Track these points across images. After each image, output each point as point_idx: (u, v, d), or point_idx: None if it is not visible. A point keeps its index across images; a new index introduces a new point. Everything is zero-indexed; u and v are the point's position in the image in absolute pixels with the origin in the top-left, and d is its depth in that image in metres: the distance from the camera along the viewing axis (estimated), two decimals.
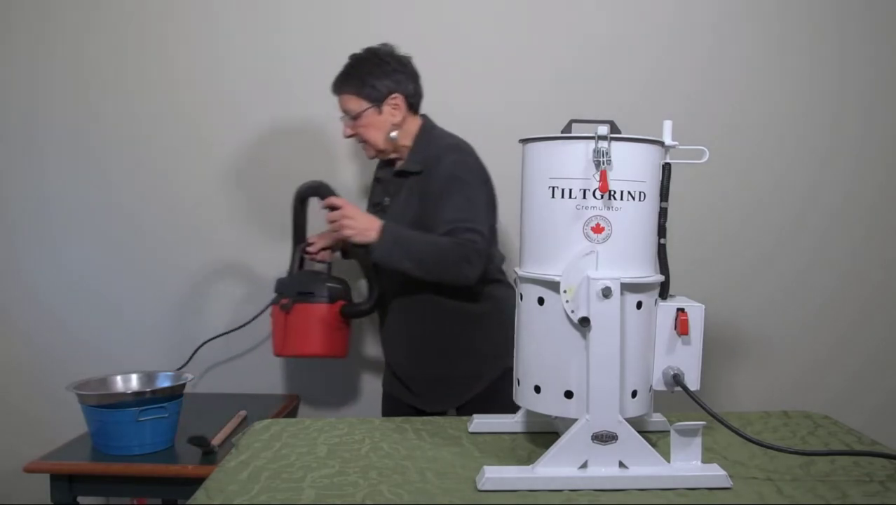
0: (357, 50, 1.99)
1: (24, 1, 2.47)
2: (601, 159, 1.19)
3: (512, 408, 1.50)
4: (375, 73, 1.94)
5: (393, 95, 1.95)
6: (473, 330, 1.95)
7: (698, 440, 1.21)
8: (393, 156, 2.03)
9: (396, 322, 2.04)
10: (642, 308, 1.25)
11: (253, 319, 2.31)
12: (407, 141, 1.99)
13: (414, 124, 2.00)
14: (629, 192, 1.22)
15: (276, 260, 2.43)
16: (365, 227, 1.82)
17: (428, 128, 2.00)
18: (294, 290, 2.10)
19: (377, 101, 1.95)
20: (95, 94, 2.49)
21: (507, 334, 1.46)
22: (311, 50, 2.43)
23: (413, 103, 2.00)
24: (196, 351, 2.36)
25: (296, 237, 2.16)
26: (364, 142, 2.00)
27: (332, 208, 1.87)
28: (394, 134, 1.97)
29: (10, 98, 2.50)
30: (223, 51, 2.46)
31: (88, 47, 2.48)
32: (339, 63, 1.97)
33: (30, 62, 2.49)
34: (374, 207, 2.07)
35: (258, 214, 2.49)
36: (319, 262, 2.21)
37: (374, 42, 2.00)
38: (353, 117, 1.97)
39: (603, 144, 1.19)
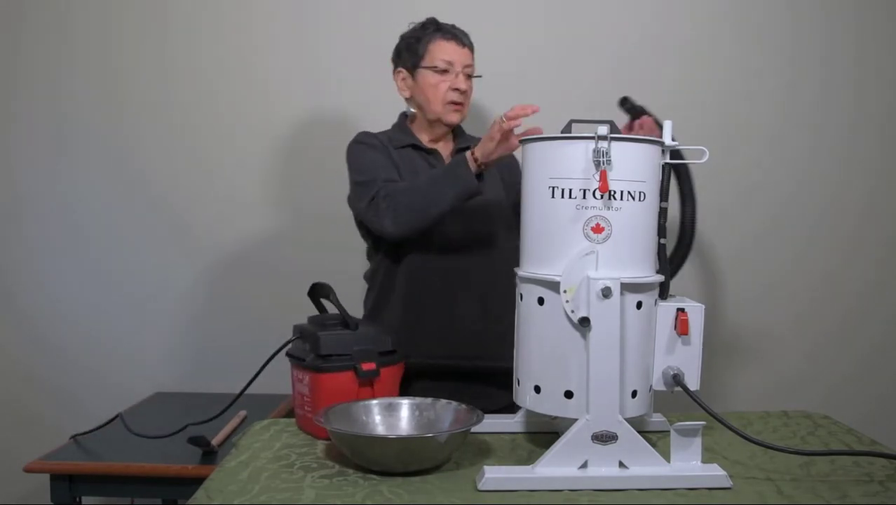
0: (347, 45, 1.85)
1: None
2: (601, 159, 1.19)
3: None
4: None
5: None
6: None
7: (698, 440, 1.21)
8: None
9: (478, 306, 1.86)
10: (642, 308, 1.25)
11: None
12: None
13: None
14: (629, 192, 1.22)
15: (305, 265, 2.32)
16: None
17: None
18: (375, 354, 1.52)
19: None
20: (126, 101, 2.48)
21: None
22: (342, 40, 2.41)
23: None
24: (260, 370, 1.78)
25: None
26: (464, 102, 1.92)
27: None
28: None
29: (37, 101, 2.50)
30: (257, 43, 2.45)
31: (113, 47, 2.48)
32: (350, 56, 1.86)
33: (54, 63, 2.48)
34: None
35: (280, 224, 2.49)
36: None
37: (371, 40, 1.98)
38: (470, 75, 1.92)
39: (603, 144, 1.19)
